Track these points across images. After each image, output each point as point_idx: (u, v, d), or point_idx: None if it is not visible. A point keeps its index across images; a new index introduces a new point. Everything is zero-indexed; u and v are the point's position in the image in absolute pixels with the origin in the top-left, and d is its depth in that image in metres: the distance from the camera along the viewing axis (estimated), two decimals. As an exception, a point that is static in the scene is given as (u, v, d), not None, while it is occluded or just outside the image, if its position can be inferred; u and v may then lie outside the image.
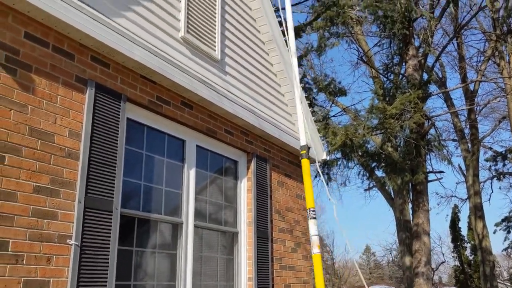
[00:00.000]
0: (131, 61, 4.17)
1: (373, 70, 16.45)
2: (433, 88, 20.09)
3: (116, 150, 3.95)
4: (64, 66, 3.66)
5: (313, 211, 3.92)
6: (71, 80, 3.69)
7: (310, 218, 4.01)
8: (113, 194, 3.82)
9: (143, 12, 4.49)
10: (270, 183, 6.10)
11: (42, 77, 3.47)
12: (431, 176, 19.94)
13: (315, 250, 3.95)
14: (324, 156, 7.26)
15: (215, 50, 5.42)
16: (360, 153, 12.60)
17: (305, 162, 4.37)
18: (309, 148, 4.34)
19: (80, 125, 3.69)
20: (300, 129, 4.56)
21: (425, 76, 15.34)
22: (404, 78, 14.84)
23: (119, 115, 4.05)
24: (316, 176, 14.57)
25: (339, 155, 12.27)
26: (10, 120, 3.21)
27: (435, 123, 15.16)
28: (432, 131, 15.08)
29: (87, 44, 3.85)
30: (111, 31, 3.94)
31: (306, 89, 13.15)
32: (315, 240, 3.99)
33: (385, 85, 14.85)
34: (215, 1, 5.65)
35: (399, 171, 12.01)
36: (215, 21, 5.55)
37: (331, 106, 14.91)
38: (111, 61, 4.09)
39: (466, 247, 30.81)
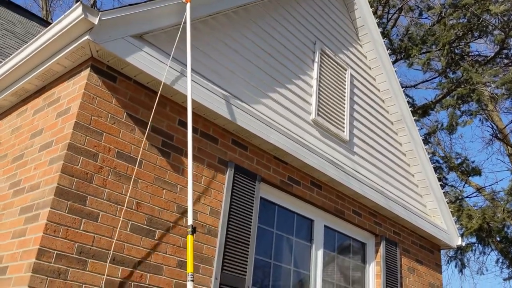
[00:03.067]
0: (266, 144, 4.42)
1: (509, 147, 15.23)
2: None
3: (250, 228, 4.11)
4: (209, 149, 4.01)
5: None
6: (214, 162, 4.01)
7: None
8: (245, 272, 3.94)
9: (278, 98, 4.80)
10: (400, 269, 5.79)
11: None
12: None
13: None
14: (459, 241, 6.74)
15: (344, 131, 5.52)
16: (498, 239, 11.44)
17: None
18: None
19: (219, 204, 3.95)
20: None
21: None
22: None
23: (254, 194, 4.26)
24: (448, 262, 13.45)
25: (474, 239, 11.26)
26: (162, 199, 3.55)
27: None
28: None
29: (229, 129, 4.20)
30: (251, 117, 4.26)
31: (436, 168, 12.55)
32: None
33: (525, 165, 13.58)
34: (345, 85, 5.83)
35: (548, 262, 10.60)
36: (344, 104, 5.70)
37: (463, 186, 13.97)
38: (249, 144, 4.38)
39: None
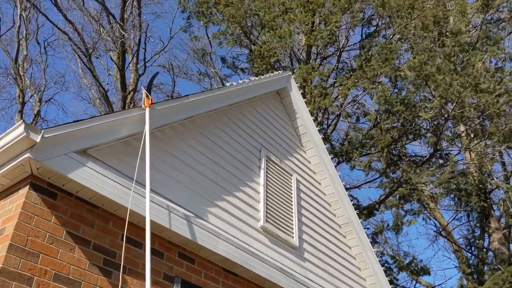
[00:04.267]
0: (215, 255, 4.29)
1: (454, 244, 15.64)
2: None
3: None
4: (154, 264, 3.83)
5: None
6: (159, 278, 3.82)
7: None
8: None
9: (226, 206, 4.77)
10: None
11: (134, 277, 3.63)
12: None
13: None
14: None
15: (293, 237, 5.49)
16: None
17: None
18: None
19: (165, 325, 3.69)
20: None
21: (513, 248, 14.29)
22: (490, 252, 13.90)
23: (203, 311, 4.03)
24: None
25: None
26: (102, 323, 3.28)
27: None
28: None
29: (175, 242, 4.07)
30: (198, 228, 4.17)
31: (386, 270, 12.57)
32: None
33: (470, 261, 13.91)
34: (291, 190, 5.91)
35: None
36: (292, 209, 5.74)
37: (414, 287, 13.95)
38: (196, 256, 4.24)
39: None
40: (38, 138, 3.17)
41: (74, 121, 3.51)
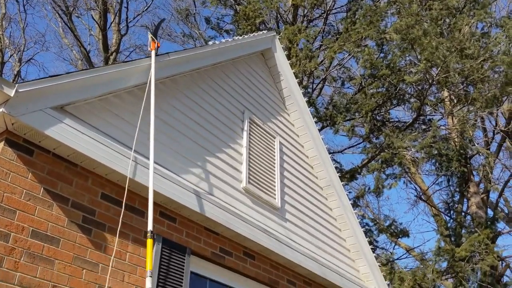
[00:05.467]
0: (196, 215, 4.29)
1: (433, 208, 15.99)
2: (501, 225, 19.02)
3: (180, 306, 3.87)
4: (135, 223, 3.81)
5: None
6: (140, 237, 3.81)
7: None
8: None
9: (208, 167, 4.74)
10: (337, 338, 5.66)
11: (114, 235, 3.61)
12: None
13: None
14: (393, 305, 6.77)
15: (275, 198, 5.52)
16: (430, 300, 11.67)
17: None
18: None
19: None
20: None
21: (490, 212, 14.68)
22: (468, 216, 14.26)
23: (184, 269, 4.06)
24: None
25: (407, 301, 11.37)
26: (81, 280, 3.28)
27: (510, 264, 14.04)
28: (507, 272, 13.91)
29: (156, 201, 4.04)
30: (180, 187, 4.14)
31: (366, 232, 12.82)
32: None
33: (448, 224, 14.26)
34: (274, 152, 5.90)
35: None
36: (274, 171, 5.74)
37: (394, 248, 14.30)
38: (178, 215, 4.23)
39: None
40: (12, 93, 3.07)
41: (50, 76, 3.40)
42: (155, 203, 4.04)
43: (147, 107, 4.31)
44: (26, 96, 3.20)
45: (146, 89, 4.24)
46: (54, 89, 3.40)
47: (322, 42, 12.98)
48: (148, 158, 4.07)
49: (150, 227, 3.57)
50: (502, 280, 13.07)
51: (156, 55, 4.38)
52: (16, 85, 3.12)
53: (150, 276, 3.34)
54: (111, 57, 16.23)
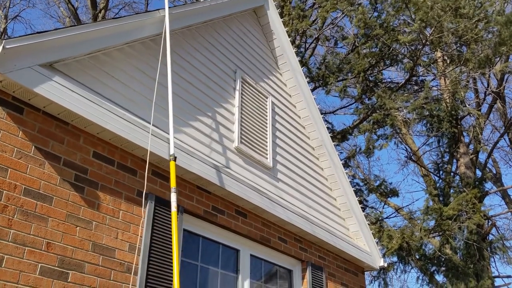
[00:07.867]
0: (189, 174, 4.31)
1: (423, 169, 16.19)
2: (488, 185, 19.36)
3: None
4: (127, 181, 3.83)
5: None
6: (132, 195, 3.83)
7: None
8: (169, 309, 3.75)
9: (200, 126, 4.73)
10: (326, 293, 5.83)
11: (107, 194, 3.63)
12: (498, 281, 18.50)
13: None
14: (381, 263, 6.95)
15: (267, 158, 5.55)
16: (417, 257, 11.99)
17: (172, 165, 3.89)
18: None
19: (139, 239, 3.76)
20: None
21: (479, 173, 14.91)
22: (457, 176, 14.47)
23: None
24: (371, 282, 13.84)
25: (395, 259, 11.71)
26: (75, 237, 3.32)
27: (496, 223, 14.41)
28: (493, 231, 14.28)
29: (149, 160, 4.04)
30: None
31: (356, 191, 13.02)
32: None
33: (437, 184, 14.49)
34: (266, 112, 5.89)
35: (462, 276, 11.25)
36: (266, 131, 5.75)
37: (383, 207, 14.56)
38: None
39: None
40: (-2, 49, 3.00)
41: (38, 32, 3.32)
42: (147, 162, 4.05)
43: (137, 65, 4.25)
44: (14, 52, 3.14)
45: (136, 46, 4.17)
46: (43, 46, 3.33)
47: (315, 0, 12.74)
48: (138, 117, 4.05)
49: (172, 150, 3.94)
50: (487, 238, 13.43)
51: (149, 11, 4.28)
52: (3, 41, 3.05)
53: (175, 192, 3.68)
54: (100, 15, 15.85)
